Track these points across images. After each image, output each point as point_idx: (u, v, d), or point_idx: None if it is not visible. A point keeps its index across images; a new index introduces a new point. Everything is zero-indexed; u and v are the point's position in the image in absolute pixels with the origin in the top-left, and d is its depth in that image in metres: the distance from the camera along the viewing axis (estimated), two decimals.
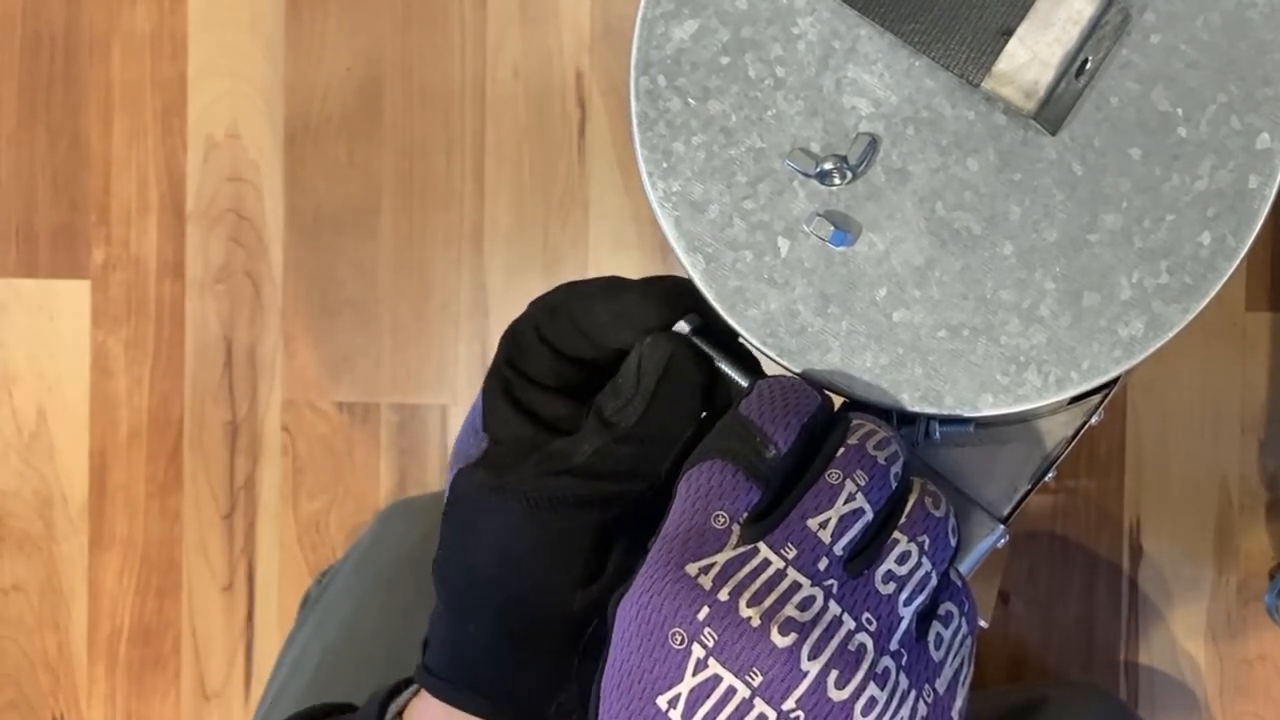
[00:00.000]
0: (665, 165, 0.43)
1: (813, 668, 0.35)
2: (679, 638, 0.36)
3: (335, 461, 1.09)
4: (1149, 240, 0.40)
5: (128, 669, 1.12)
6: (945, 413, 0.42)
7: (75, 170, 1.12)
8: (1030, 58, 0.40)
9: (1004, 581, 1.03)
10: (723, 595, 0.35)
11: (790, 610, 0.35)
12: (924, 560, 0.38)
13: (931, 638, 0.38)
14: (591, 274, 1.05)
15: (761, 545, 0.36)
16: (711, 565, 0.36)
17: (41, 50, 1.13)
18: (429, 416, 1.09)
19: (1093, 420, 0.44)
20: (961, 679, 0.39)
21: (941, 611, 0.39)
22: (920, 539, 0.38)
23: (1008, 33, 0.40)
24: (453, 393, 1.08)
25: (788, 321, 0.43)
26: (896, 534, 0.38)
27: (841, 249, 0.42)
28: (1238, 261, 0.39)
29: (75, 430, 1.13)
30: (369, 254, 1.09)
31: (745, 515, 0.37)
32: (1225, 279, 0.40)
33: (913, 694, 0.37)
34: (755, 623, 0.35)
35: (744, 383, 0.43)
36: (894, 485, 0.39)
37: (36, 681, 1.13)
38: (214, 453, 1.11)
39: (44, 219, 1.13)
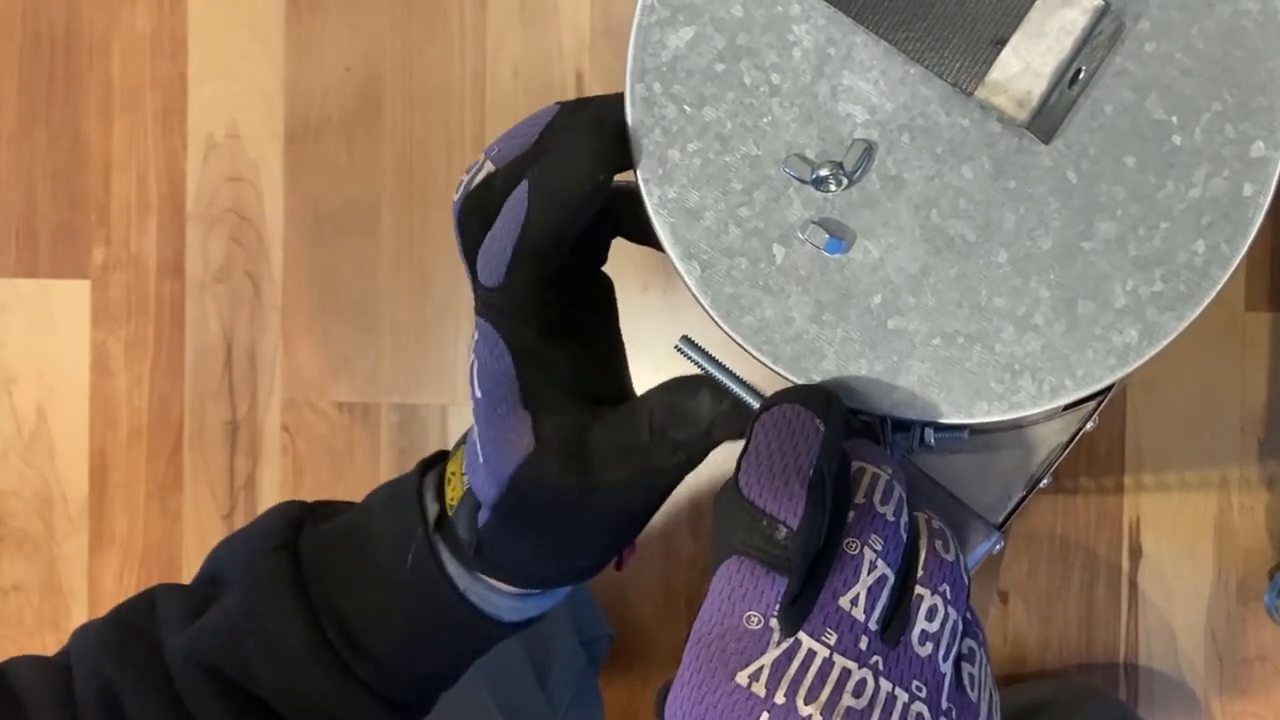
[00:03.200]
0: (661, 172, 0.43)
1: None
2: None
3: (335, 461, 1.10)
4: (1143, 248, 0.40)
5: None
6: (940, 420, 0.42)
7: (75, 170, 1.12)
8: (1023, 67, 0.39)
9: (1004, 581, 1.03)
10: (779, 698, 0.35)
11: (848, 700, 0.35)
12: (949, 610, 0.38)
13: (966, 680, 0.38)
14: None
15: (802, 636, 0.36)
16: (760, 670, 0.36)
17: (41, 50, 1.13)
18: (429, 416, 1.09)
19: (1087, 427, 0.44)
20: (995, 709, 0.39)
21: (965, 650, 0.39)
22: (942, 588, 0.38)
23: (1000, 42, 0.40)
24: (453, 393, 1.08)
25: (783, 329, 0.43)
26: (919, 589, 0.38)
27: (836, 256, 0.42)
28: (1232, 270, 0.39)
29: (75, 430, 1.13)
30: (369, 254, 1.09)
31: (777, 607, 0.37)
32: (1220, 287, 0.40)
33: None
34: (817, 719, 0.35)
35: (754, 403, 0.43)
36: (905, 538, 0.38)
37: None
38: (214, 453, 1.11)
39: (44, 219, 1.13)
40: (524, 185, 0.43)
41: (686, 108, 0.43)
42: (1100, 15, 0.39)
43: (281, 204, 1.10)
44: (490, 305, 0.45)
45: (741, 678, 0.36)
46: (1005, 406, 0.41)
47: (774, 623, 0.36)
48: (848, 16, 0.42)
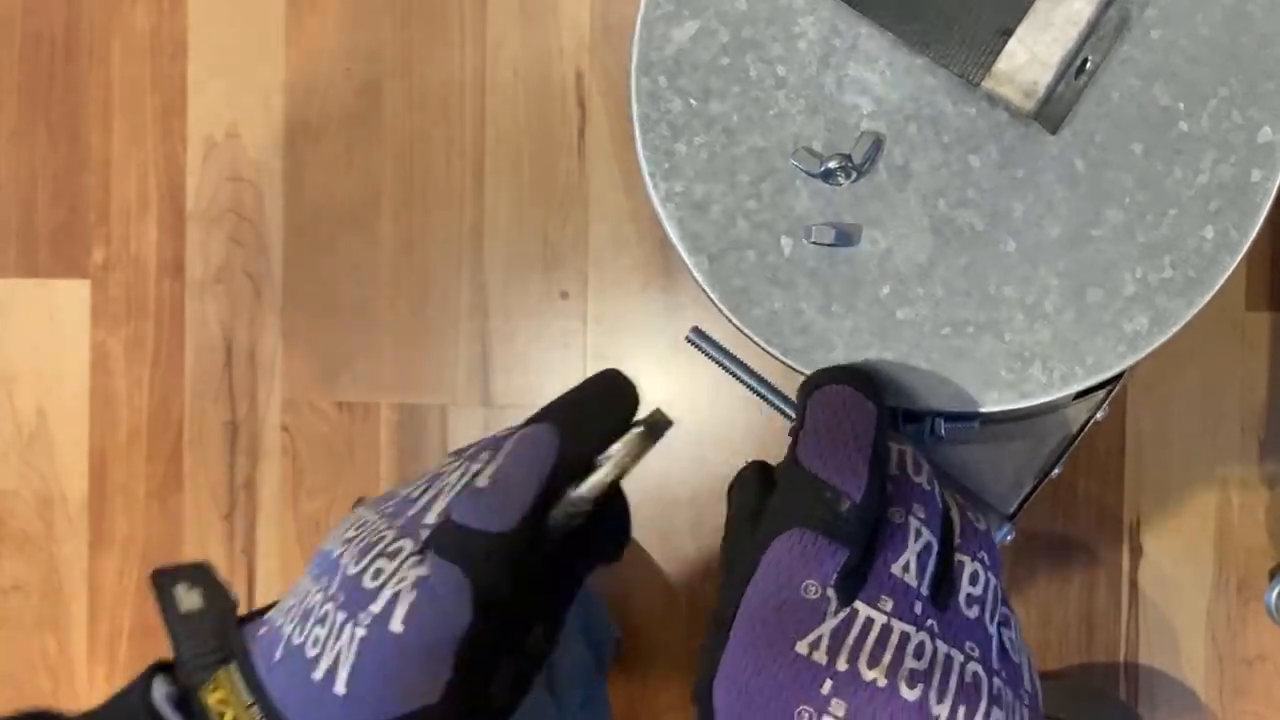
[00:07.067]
0: (668, 166, 0.43)
1: (943, 710, 0.35)
2: (806, 714, 0.35)
3: (335, 461, 1.09)
4: (1152, 235, 0.40)
5: (128, 669, 1.12)
6: (950, 409, 0.42)
7: (75, 170, 1.12)
8: (1029, 58, 0.39)
9: (1004, 581, 1.03)
10: (841, 665, 0.35)
11: (910, 662, 0.35)
12: (989, 575, 0.38)
13: (1007, 644, 0.38)
14: (592, 275, 1.05)
15: (859, 604, 0.36)
16: (819, 639, 0.36)
17: (41, 50, 1.13)
18: (429, 416, 1.08)
19: (1098, 415, 0.44)
20: (1034, 671, 0.39)
21: (1000, 617, 0.39)
22: (980, 555, 0.38)
23: (1007, 33, 0.40)
24: (453, 393, 1.08)
25: (792, 320, 0.43)
26: (959, 556, 0.38)
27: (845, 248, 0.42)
28: (1241, 255, 0.39)
29: (75, 430, 1.12)
30: (369, 254, 1.09)
31: (836, 577, 0.37)
32: (1229, 272, 0.40)
33: (1018, 702, 0.37)
34: (882, 683, 0.35)
35: (764, 392, 0.43)
36: (941, 506, 0.39)
37: (36, 682, 1.13)
38: (214, 453, 1.11)
39: (44, 219, 1.13)
40: (548, 428, 0.44)
41: (692, 101, 0.43)
42: (1106, 4, 0.39)
43: (281, 204, 1.10)
44: (470, 551, 0.42)
45: (801, 647, 0.36)
46: (1016, 395, 0.41)
47: (831, 592, 0.36)
48: (852, 8, 0.42)
